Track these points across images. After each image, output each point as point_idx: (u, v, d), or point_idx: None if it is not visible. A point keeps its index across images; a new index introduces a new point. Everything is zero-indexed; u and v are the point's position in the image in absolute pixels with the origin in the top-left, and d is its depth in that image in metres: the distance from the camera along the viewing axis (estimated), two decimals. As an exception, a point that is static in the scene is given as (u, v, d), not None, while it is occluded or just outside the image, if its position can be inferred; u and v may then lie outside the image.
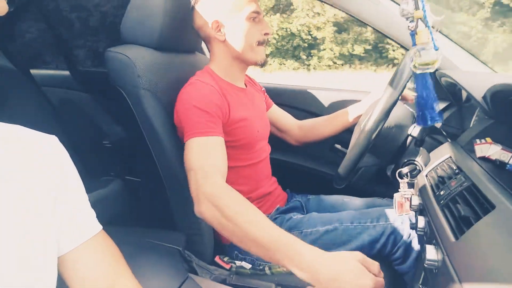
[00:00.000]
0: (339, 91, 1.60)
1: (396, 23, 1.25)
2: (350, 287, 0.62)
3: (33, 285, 0.44)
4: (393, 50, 12.14)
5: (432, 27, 0.86)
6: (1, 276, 0.41)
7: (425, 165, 0.95)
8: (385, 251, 0.99)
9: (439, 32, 0.90)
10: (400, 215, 0.94)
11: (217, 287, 0.87)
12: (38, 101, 1.69)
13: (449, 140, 1.04)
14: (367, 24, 1.28)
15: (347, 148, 1.09)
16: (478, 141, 0.82)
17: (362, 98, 1.23)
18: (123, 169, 1.77)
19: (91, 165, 1.51)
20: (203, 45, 1.60)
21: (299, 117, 1.38)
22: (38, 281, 0.45)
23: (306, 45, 13.20)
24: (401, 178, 0.97)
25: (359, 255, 0.67)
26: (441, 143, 1.09)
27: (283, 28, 13.02)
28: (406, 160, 0.99)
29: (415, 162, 0.97)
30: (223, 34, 1.03)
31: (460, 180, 0.72)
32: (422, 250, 0.68)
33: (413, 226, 0.79)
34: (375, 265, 0.66)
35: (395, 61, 12.11)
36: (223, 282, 0.94)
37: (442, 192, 0.74)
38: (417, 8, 0.86)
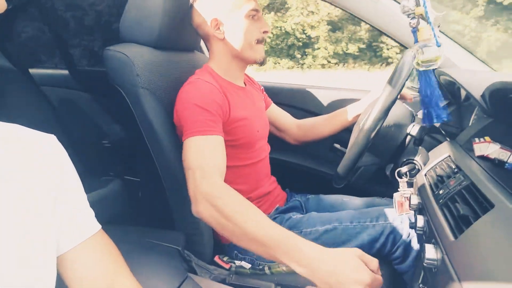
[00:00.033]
0: (338, 90, 1.60)
1: (395, 21, 1.25)
2: (348, 281, 0.63)
3: (33, 285, 0.44)
4: (387, 49, 12.18)
5: (437, 25, 0.86)
6: (1, 276, 0.41)
7: (424, 164, 0.95)
8: (385, 251, 0.99)
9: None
10: (401, 214, 0.94)
11: (217, 287, 0.87)
12: (38, 100, 1.69)
13: (448, 139, 1.04)
14: (366, 22, 1.28)
15: (346, 147, 1.09)
16: (477, 140, 0.82)
17: (361, 97, 1.23)
18: (122, 169, 1.77)
19: (91, 164, 1.51)
20: (202, 43, 1.60)
21: (298, 116, 1.38)
22: (38, 281, 0.45)
23: (300, 44, 13.24)
24: (400, 177, 0.97)
25: (358, 251, 0.68)
26: (440, 142, 1.09)
27: (277, 27, 13.07)
28: (405, 159, 0.99)
29: (414, 161, 0.97)
30: (222, 32, 1.03)
31: (459, 179, 0.72)
32: (422, 249, 0.68)
33: (413, 225, 0.79)
34: (374, 261, 0.67)
35: (389, 60, 12.16)
36: (223, 281, 0.94)
37: (441, 191, 0.74)
38: (418, 4, 0.86)
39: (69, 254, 0.52)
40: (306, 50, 13.20)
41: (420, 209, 0.81)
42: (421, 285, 0.72)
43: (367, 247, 0.99)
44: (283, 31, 13.13)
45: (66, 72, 2.03)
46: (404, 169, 0.97)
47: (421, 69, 0.91)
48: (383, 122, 0.91)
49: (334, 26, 12.94)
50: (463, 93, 1.18)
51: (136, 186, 1.68)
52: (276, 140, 1.33)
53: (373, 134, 0.90)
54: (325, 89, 1.60)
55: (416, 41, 0.90)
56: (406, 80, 0.91)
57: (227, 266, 1.00)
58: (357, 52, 12.64)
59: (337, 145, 1.43)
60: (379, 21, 1.29)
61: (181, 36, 1.13)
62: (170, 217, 1.05)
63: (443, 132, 1.10)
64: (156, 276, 0.83)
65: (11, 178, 0.44)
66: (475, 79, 1.00)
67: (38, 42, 2.07)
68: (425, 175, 0.88)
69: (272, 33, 12.94)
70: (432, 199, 0.74)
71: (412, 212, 0.88)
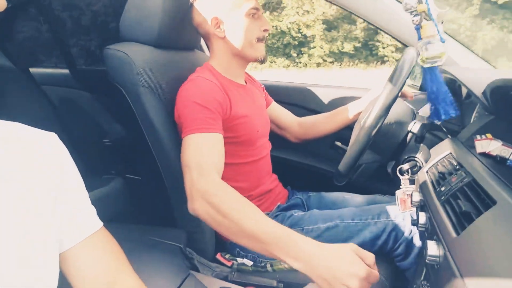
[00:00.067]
0: (338, 88, 1.59)
1: (394, 19, 1.24)
2: (344, 276, 0.64)
3: (33, 284, 0.44)
4: (383, 48, 12.18)
5: (440, 21, 0.86)
6: (1, 276, 0.41)
7: (426, 162, 0.95)
8: (387, 248, 0.99)
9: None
10: (404, 212, 0.94)
11: (219, 284, 0.87)
12: (38, 100, 1.69)
13: (450, 136, 1.04)
14: (366, 20, 1.27)
15: (347, 145, 1.09)
16: (478, 137, 0.81)
17: (362, 95, 1.23)
18: (123, 167, 1.77)
19: (92, 163, 1.52)
20: (202, 42, 1.60)
21: (298, 114, 1.38)
22: (38, 280, 0.45)
23: (296, 43, 13.27)
24: (402, 174, 0.97)
25: (353, 246, 0.68)
26: (441, 139, 1.09)
27: (273, 26, 13.12)
28: (406, 157, 0.98)
29: (415, 159, 0.97)
30: (222, 31, 1.03)
31: (460, 176, 0.72)
32: (424, 246, 0.68)
33: (414, 222, 0.79)
34: (370, 256, 0.68)
35: (385, 59, 12.15)
36: (225, 279, 0.94)
37: (443, 188, 0.74)
38: (420, 1, 0.85)
39: (71, 252, 0.52)
40: (302, 49, 13.22)
41: (422, 206, 0.81)
42: (423, 282, 0.72)
43: (369, 245, 0.99)
44: (279, 30, 13.17)
45: (66, 71, 2.03)
46: (405, 166, 0.97)
47: (426, 66, 0.90)
48: (384, 120, 0.91)
49: (330, 25, 12.96)
50: (464, 91, 1.18)
51: (137, 185, 1.68)
52: (277, 138, 1.33)
53: (374, 131, 0.90)
54: (326, 87, 1.60)
55: (419, 38, 0.90)
56: (407, 78, 0.91)
57: (229, 264, 1.00)
58: (352, 51, 12.66)
59: (338, 143, 1.43)
60: (378, 19, 1.28)
61: (181, 35, 1.13)
62: (172, 215, 1.05)
63: (444, 129, 1.10)
64: (158, 273, 0.83)
65: (11, 178, 0.44)
66: (476, 76, 1.00)
67: (36, 42, 2.07)
68: (427, 172, 0.88)
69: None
70: (434, 196, 0.74)
71: (414, 209, 0.88)
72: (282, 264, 0.96)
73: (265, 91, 1.32)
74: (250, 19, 1.02)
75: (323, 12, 12.53)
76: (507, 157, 0.72)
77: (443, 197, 0.70)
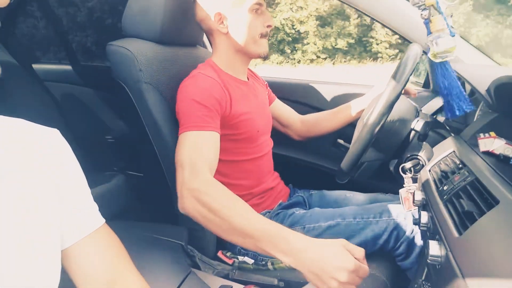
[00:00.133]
0: (341, 85, 1.59)
1: (397, 14, 1.23)
2: (332, 269, 0.64)
3: (34, 284, 0.44)
4: (377, 44, 12.12)
5: (449, 15, 0.84)
6: (2, 275, 0.41)
7: (428, 160, 0.94)
8: (388, 247, 0.99)
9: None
10: (409, 210, 0.94)
11: (220, 282, 0.88)
12: (41, 96, 1.69)
13: (453, 135, 1.03)
14: (367, 15, 1.25)
15: (349, 143, 1.08)
16: (481, 135, 0.81)
17: (365, 92, 1.22)
18: (126, 164, 1.78)
19: (94, 160, 1.52)
20: (205, 39, 1.60)
21: (301, 112, 1.37)
22: (39, 279, 0.45)
23: (290, 39, 13.22)
24: (404, 173, 0.97)
25: (342, 241, 0.69)
26: (444, 137, 1.08)
27: (267, 22, 13.04)
28: (409, 155, 0.98)
29: (418, 157, 0.96)
30: (225, 27, 1.02)
31: (463, 175, 0.71)
32: (425, 246, 0.67)
33: (416, 222, 0.79)
34: (359, 250, 0.68)
35: (379, 55, 12.10)
36: (226, 277, 0.94)
37: (445, 187, 0.73)
38: None
39: (73, 249, 0.52)
40: (296, 45, 13.17)
41: (424, 205, 0.81)
42: (424, 282, 0.72)
43: (371, 243, 0.99)
44: (273, 27, 13.13)
45: (69, 67, 2.03)
46: (408, 164, 0.96)
47: (437, 60, 0.89)
48: (387, 117, 0.90)
49: (323, 21, 12.90)
50: (468, 88, 1.17)
51: (139, 181, 1.68)
52: (279, 135, 1.32)
53: (377, 129, 0.89)
54: (329, 84, 1.59)
55: (429, 33, 0.89)
56: (411, 75, 0.90)
57: (230, 262, 1.00)
58: (346, 47, 12.62)
59: (341, 141, 1.43)
60: (379, 14, 1.26)
61: (183, 31, 1.13)
62: (173, 212, 1.05)
63: (447, 127, 1.10)
64: (160, 271, 0.83)
65: (12, 177, 0.44)
66: (480, 73, 0.99)
67: (33, 38, 2.07)
68: (429, 170, 0.87)
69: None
70: (436, 195, 0.73)
71: (417, 208, 0.88)
72: (283, 262, 0.96)
73: (269, 88, 1.32)
74: (253, 15, 1.02)
75: (316, 8, 12.49)
76: (510, 155, 0.72)
77: (446, 196, 0.69)
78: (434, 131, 1.23)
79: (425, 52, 1.01)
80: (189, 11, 1.08)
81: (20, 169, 0.45)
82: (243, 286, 0.87)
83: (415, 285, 0.77)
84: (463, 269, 0.51)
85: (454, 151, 0.87)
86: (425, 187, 0.83)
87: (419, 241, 0.96)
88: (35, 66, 1.83)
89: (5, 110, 0.53)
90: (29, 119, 0.50)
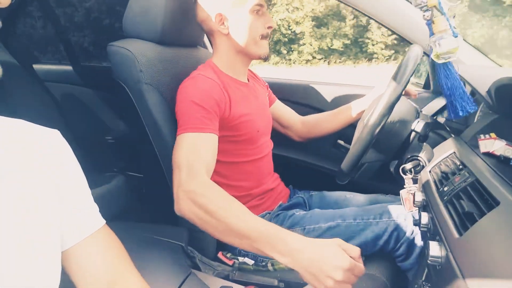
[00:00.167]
0: (342, 86, 1.59)
1: (400, 15, 1.23)
2: (328, 268, 0.65)
3: (34, 284, 0.44)
4: (373, 45, 12.13)
5: (452, 15, 0.84)
6: (2, 275, 0.41)
7: (429, 161, 0.94)
8: (388, 248, 0.99)
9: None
10: (410, 211, 0.94)
11: (220, 283, 0.87)
12: (41, 96, 1.69)
13: (453, 136, 1.03)
14: (367, 15, 1.24)
15: (350, 144, 1.08)
16: (482, 136, 0.81)
17: (366, 93, 1.22)
18: (126, 164, 1.78)
19: (94, 160, 1.52)
20: (206, 39, 1.60)
21: (302, 112, 1.37)
22: (39, 280, 0.44)
23: (286, 39, 13.20)
24: (405, 174, 0.97)
25: (338, 240, 0.70)
26: (445, 138, 1.08)
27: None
28: (409, 156, 0.98)
29: (418, 158, 0.96)
30: (226, 28, 1.02)
31: (464, 176, 0.71)
32: (425, 247, 0.67)
33: (416, 223, 0.79)
34: (354, 249, 0.69)
35: (374, 56, 12.11)
36: (226, 278, 0.94)
37: (445, 188, 0.73)
38: None
39: (74, 250, 0.52)
40: (292, 46, 13.17)
41: (424, 206, 0.81)
42: (424, 283, 0.72)
43: (371, 244, 0.99)
44: (274, 28, 13.14)
45: (69, 67, 2.03)
46: (408, 165, 0.96)
47: (440, 61, 0.89)
48: (387, 118, 0.90)
49: (319, 22, 12.89)
50: (468, 89, 1.17)
51: (139, 182, 1.68)
52: (279, 137, 1.32)
53: (377, 130, 0.89)
54: (330, 85, 1.59)
55: (431, 34, 0.89)
56: (411, 75, 0.90)
57: (230, 263, 1.00)
58: (341, 48, 12.62)
59: (341, 142, 1.43)
60: (379, 14, 1.26)
61: (184, 32, 1.13)
62: (174, 213, 1.05)
63: (448, 128, 1.10)
64: (160, 272, 0.83)
65: (12, 177, 0.44)
66: (481, 74, 0.99)
67: (31, 39, 2.08)
68: (430, 171, 0.87)
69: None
70: (437, 196, 0.73)
71: (417, 209, 0.88)
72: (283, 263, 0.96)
73: (269, 89, 1.32)
74: (254, 16, 1.02)
75: (312, 9, 12.49)
76: (511, 157, 0.72)
77: (446, 197, 0.69)
78: (434, 132, 1.23)
79: (425, 53, 1.01)
80: (190, 12, 1.08)
81: (20, 169, 0.45)
82: (243, 287, 0.87)
83: (415, 286, 0.77)
84: (463, 270, 0.50)
85: (454, 152, 0.87)
86: (425, 188, 0.83)
87: (419, 242, 0.96)
88: (35, 66, 1.83)
89: (5, 110, 0.53)
90: (29, 119, 0.50)
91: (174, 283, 0.80)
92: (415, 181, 0.96)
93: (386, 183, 1.24)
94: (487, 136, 0.79)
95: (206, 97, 0.93)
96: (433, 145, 1.01)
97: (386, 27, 1.18)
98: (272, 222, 1.05)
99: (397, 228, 0.98)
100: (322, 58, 12.80)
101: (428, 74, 1.52)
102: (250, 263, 0.99)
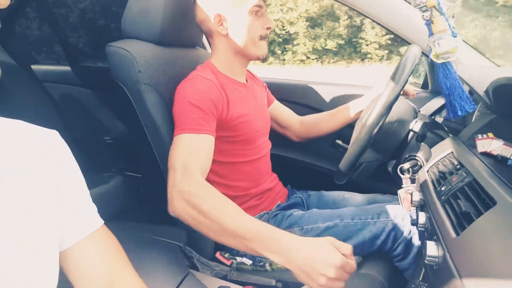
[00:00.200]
0: (340, 86, 1.59)
1: (398, 15, 1.23)
2: (321, 265, 0.66)
3: (33, 284, 0.44)
4: (366, 45, 12.13)
5: (451, 15, 0.85)
6: (1, 275, 0.41)
7: (427, 161, 0.95)
8: (386, 248, 0.99)
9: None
10: (408, 211, 0.94)
11: (218, 283, 0.88)
12: (40, 97, 1.69)
13: (451, 135, 1.04)
14: (365, 15, 1.25)
15: (348, 143, 1.09)
16: (479, 136, 0.81)
17: (364, 93, 1.22)
18: (124, 164, 1.78)
19: (92, 160, 1.52)
20: (205, 39, 1.60)
21: (300, 113, 1.37)
22: (39, 280, 0.45)
23: (280, 40, 13.20)
24: (403, 173, 0.97)
25: (330, 238, 0.71)
26: (442, 138, 1.08)
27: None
28: (407, 156, 0.98)
29: (416, 158, 0.97)
30: (225, 28, 1.02)
31: (461, 176, 0.71)
32: (423, 246, 0.67)
33: (414, 222, 0.79)
34: (346, 246, 0.70)
35: (368, 56, 12.13)
36: (224, 278, 0.94)
37: (443, 188, 0.73)
38: None
39: (72, 250, 0.52)
40: (286, 46, 13.17)
41: (422, 206, 0.81)
42: (421, 283, 0.72)
43: (368, 244, 0.99)
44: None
45: (68, 68, 2.03)
46: (406, 165, 0.96)
47: (439, 61, 0.90)
48: (385, 118, 0.90)
49: (313, 23, 12.89)
50: (466, 89, 1.17)
51: (137, 182, 1.68)
52: (277, 137, 1.32)
53: (375, 130, 0.90)
54: (328, 85, 1.59)
55: (430, 34, 0.89)
56: (410, 75, 0.90)
57: (228, 263, 1.00)
58: (335, 48, 12.62)
59: (339, 141, 1.43)
60: (378, 14, 1.26)
61: (183, 32, 1.13)
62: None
63: (445, 128, 1.10)
64: (158, 272, 0.83)
65: (11, 177, 0.44)
66: (479, 74, 0.99)
67: (26, 39, 2.07)
68: (427, 171, 0.87)
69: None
70: (434, 195, 0.73)
71: (415, 208, 0.88)
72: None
73: (268, 89, 1.32)
74: (253, 17, 1.02)
75: (306, 10, 12.50)
76: (508, 156, 0.72)
77: (443, 197, 0.70)
78: (432, 132, 1.23)
79: (424, 53, 1.01)
80: (189, 12, 1.08)
81: (20, 169, 0.45)
82: (241, 287, 0.87)
83: (413, 286, 0.77)
84: (461, 269, 0.51)
85: (452, 152, 0.87)
86: (423, 187, 0.84)
87: (416, 242, 0.96)
88: (34, 67, 1.83)
89: (4, 111, 0.53)
90: (27, 120, 0.50)
91: (172, 283, 0.80)
92: (413, 180, 0.96)
93: (384, 183, 1.24)
94: (484, 136, 0.80)
95: (203, 98, 0.93)
96: (431, 145, 1.01)
97: (385, 28, 1.18)
98: (270, 222, 1.06)
99: (395, 228, 0.98)
100: (316, 58, 12.81)
101: (426, 74, 1.52)
102: (248, 263, 0.99)
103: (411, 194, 0.86)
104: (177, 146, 0.88)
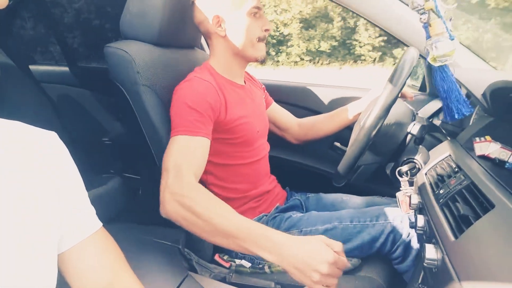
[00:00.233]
0: (339, 88, 1.59)
1: (395, 18, 1.24)
2: (314, 262, 0.68)
3: (33, 285, 0.44)
4: (360, 47, 12.17)
5: (448, 18, 0.85)
6: (1, 275, 0.41)
7: (425, 163, 0.95)
8: (385, 250, 0.99)
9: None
10: (407, 213, 0.95)
11: (217, 285, 0.87)
12: (38, 97, 1.69)
13: (449, 138, 1.04)
14: (363, 17, 1.25)
15: (346, 146, 1.09)
16: (477, 139, 0.81)
17: (362, 95, 1.22)
18: (123, 166, 1.77)
19: (91, 162, 1.51)
20: (203, 41, 1.60)
21: (298, 115, 1.37)
22: (38, 280, 0.44)
23: (275, 41, 13.22)
24: (401, 176, 0.97)
25: (321, 236, 0.72)
26: (440, 141, 1.08)
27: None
28: (405, 158, 0.98)
29: (414, 160, 0.97)
30: (223, 30, 1.03)
31: (459, 179, 0.72)
32: (422, 249, 0.68)
33: (413, 225, 0.79)
34: (337, 244, 0.72)
35: (362, 57, 12.17)
36: (223, 280, 0.94)
37: (441, 191, 0.73)
38: None
39: (70, 252, 0.52)
40: (280, 47, 13.19)
41: (420, 209, 0.81)
42: (420, 285, 0.72)
43: (367, 247, 0.99)
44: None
45: (66, 69, 2.02)
46: (404, 168, 0.97)
47: (437, 64, 0.90)
48: (384, 121, 0.90)
49: (307, 24, 12.91)
50: (463, 92, 1.17)
51: (136, 184, 1.67)
52: (276, 139, 1.32)
53: (374, 132, 0.90)
54: (326, 87, 1.60)
55: (428, 36, 0.90)
56: (407, 78, 0.90)
57: (227, 265, 1.00)
58: (329, 49, 12.65)
59: (338, 144, 1.43)
60: (375, 16, 1.26)
61: (181, 33, 1.13)
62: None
63: (443, 131, 1.10)
64: (157, 274, 0.83)
65: (11, 178, 0.44)
66: (476, 77, 0.99)
67: (21, 40, 2.07)
68: (426, 174, 0.87)
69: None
70: (433, 198, 0.74)
71: (413, 211, 0.88)
72: (280, 266, 0.96)
73: (266, 91, 1.32)
74: (251, 18, 1.02)
75: (300, 11, 12.53)
76: (506, 159, 0.72)
77: (442, 200, 0.70)
78: (430, 135, 1.24)
79: (422, 56, 1.02)
80: (188, 14, 1.08)
81: (20, 169, 0.45)
82: (239, 289, 0.87)
83: (412, 288, 0.77)
84: (459, 272, 0.51)
85: (450, 155, 0.88)
86: (421, 190, 0.84)
87: (415, 245, 0.96)
88: (32, 67, 1.82)
89: (2, 111, 0.53)
90: (25, 121, 0.50)
91: (171, 285, 0.80)
92: (411, 183, 0.96)
93: (383, 185, 1.25)
94: (482, 139, 0.80)
95: (200, 100, 0.93)
96: (429, 148, 1.02)
97: (382, 30, 1.19)
98: (269, 224, 1.06)
99: (394, 231, 0.98)
100: (309, 60, 12.83)
101: (424, 77, 1.53)
102: (247, 265, 0.99)
103: (410, 197, 0.86)
104: (171, 148, 0.88)
